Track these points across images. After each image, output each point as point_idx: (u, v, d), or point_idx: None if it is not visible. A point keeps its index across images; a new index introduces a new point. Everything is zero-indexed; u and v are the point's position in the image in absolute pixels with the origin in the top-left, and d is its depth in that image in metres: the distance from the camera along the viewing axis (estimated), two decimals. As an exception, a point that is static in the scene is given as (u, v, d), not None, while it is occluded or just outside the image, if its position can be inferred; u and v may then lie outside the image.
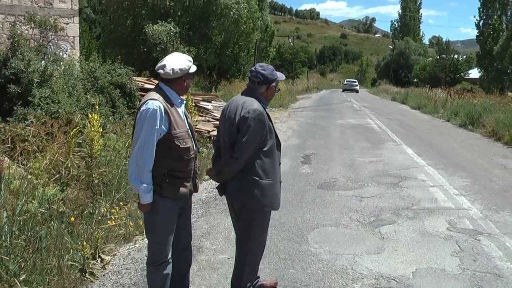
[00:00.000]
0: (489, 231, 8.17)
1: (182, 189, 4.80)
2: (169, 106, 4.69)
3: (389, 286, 6.07)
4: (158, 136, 4.59)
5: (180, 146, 4.67)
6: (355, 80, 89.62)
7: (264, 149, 5.17)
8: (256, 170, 5.16)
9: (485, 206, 9.63)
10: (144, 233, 5.39)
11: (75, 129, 8.31)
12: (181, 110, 4.89)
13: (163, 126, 4.59)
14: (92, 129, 8.00)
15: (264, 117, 5.16)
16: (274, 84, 5.33)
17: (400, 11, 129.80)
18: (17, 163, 8.13)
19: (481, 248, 7.39)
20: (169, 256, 4.93)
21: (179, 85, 4.80)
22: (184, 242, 5.20)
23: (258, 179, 5.17)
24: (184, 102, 4.99)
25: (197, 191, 5.09)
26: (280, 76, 5.43)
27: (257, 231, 5.41)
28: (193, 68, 4.80)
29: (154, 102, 4.61)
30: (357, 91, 75.71)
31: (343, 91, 76.72)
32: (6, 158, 8.18)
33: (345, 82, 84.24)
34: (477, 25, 66.36)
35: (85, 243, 6.17)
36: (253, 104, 5.18)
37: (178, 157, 4.70)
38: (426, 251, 7.26)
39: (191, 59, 4.82)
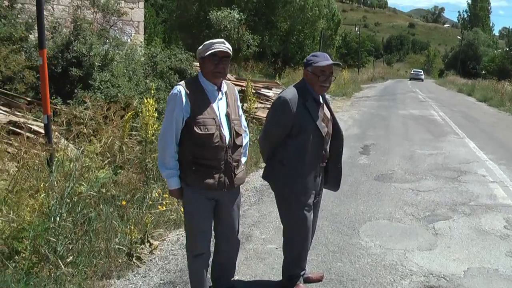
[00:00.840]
0: (549, 231, 7.89)
1: (208, 180, 4.66)
2: (195, 91, 4.66)
3: (439, 285, 5.90)
4: (181, 120, 4.60)
5: (199, 132, 4.57)
6: (421, 70, 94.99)
7: (294, 138, 5.15)
8: (281, 155, 5.24)
9: (547, 205, 9.29)
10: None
11: (129, 113, 8.35)
12: (216, 95, 4.77)
13: (184, 111, 4.59)
14: (148, 114, 8.04)
15: (286, 104, 5.10)
16: (309, 68, 5.14)
17: (469, 1, 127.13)
18: (73, 145, 8.24)
19: (538, 249, 7.14)
20: (205, 249, 4.87)
21: (203, 69, 4.76)
22: (226, 238, 5.11)
23: (281, 164, 5.24)
24: (224, 88, 4.86)
25: (232, 186, 4.84)
26: (319, 60, 5.09)
27: (286, 217, 5.47)
28: (211, 50, 4.58)
29: (177, 87, 4.69)
30: (422, 79, 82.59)
31: (410, 79, 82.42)
32: (63, 139, 8.29)
33: (412, 72, 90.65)
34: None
35: (133, 227, 6.20)
36: (286, 90, 5.31)
37: (201, 144, 4.60)
38: (480, 249, 7.05)
39: (219, 42, 4.64)
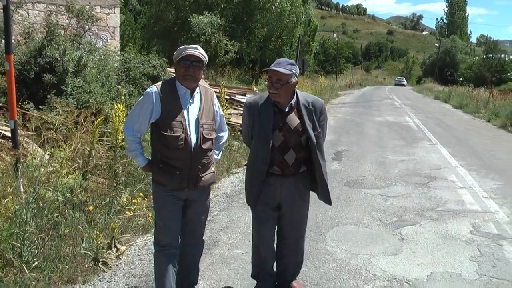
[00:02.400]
0: (514, 236, 8.01)
1: (172, 179, 4.86)
2: (168, 93, 4.84)
3: (401, 289, 6.00)
4: (146, 115, 4.84)
5: (165, 133, 4.75)
6: (403, 78, 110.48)
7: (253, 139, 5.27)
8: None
9: (514, 210, 9.42)
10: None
11: (99, 119, 8.37)
12: (188, 99, 4.90)
13: (154, 110, 4.81)
14: (118, 119, 8.06)
15: (245, 107, 5.33)
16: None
17: (446, 9, 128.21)
18: (42, 150, 8.24)
19: (502, 254, 7.22)
20: (170, 244, 4.98)
21: (176, 73, 4.95)
22: (190, 237, 5.23)
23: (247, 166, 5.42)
24: (198, 92, 4.98)
25: (196, 188, 4.97)
26: (270, 67, 5.05)
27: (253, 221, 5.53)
28: (183, 54, 4.77)
29: (152, 87, 4.96)
30: (404, 85, 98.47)
31: (395, 85, 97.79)
32: (32, 144, 8.29)
33: (396, 79, 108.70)
34: (526, 25, 65.21)
35: (98, 232, 6.23)
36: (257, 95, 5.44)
37: (167, 144, 4.78)
38: (445, 254, 7.13)
39: (193, 47, 4.82)
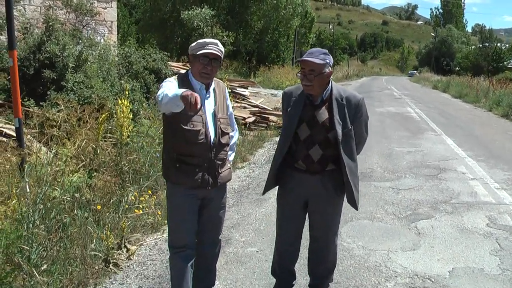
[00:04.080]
0: (532, 229, 7.82)
1: (191, 178, 4.63)
2: (184, 87, 4.51)
3: (424, 286, 5.78)
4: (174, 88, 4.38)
5: (185, 127, 4.52)
6: (415, 71, 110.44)
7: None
8: None
9: (528, 202, 9.24)
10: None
11: (104, 115, 8.15)
12: (203, 93, 4.68)
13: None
14: (122, 115, 7.85)
15: (284, 97, 5.10)
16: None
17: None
18: (46, 148, 8.02)
19: (522, 247, 7.05)
20: (186, 245, 4.76)
21: (192, 67, 4.71)
22: (208, 237, 5.02)
23: None
24: (213, 86, 4.79)
25: (216, 185, 4.78)
26: (302, 58, 4.79)
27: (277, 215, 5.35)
28: (203, 50, 4.53)
29: (170, 78, 4.77)
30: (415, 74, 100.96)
31: (408, 76, 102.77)
32: (35, 143, 8.07)
33: (409, 72, 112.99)
34: (522, 13, 65.02)
35: (109, 232, 6.02)
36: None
37: (186, 140, 4.55)
38: (464, 248, 6.95)
39: (213, 43, 4.60)
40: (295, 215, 5.12)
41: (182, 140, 4.58)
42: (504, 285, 5.86)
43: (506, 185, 10.41)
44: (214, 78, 4.85)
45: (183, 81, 4.67)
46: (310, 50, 4.80)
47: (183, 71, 15.20)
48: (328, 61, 4.70)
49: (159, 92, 4.42)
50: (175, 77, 4.80)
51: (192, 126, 4.54)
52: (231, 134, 5.04)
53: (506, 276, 6.10)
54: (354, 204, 5.06)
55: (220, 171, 4.80)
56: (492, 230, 7.72)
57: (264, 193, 5.29)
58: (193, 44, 4.65)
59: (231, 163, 5.16)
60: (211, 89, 4.77)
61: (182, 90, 4.13)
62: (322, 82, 4.74)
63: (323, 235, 5.17)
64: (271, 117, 17.45)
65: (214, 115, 4.73)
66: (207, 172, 4.69)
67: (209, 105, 4.74)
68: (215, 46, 4.58)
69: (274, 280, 5.51)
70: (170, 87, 4.40)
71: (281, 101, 5.19)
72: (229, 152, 5.07)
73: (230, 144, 5.04)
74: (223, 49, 4.67)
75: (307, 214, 5.17)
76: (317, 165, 4.86)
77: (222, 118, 4.78)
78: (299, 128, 4.82)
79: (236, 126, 5.23)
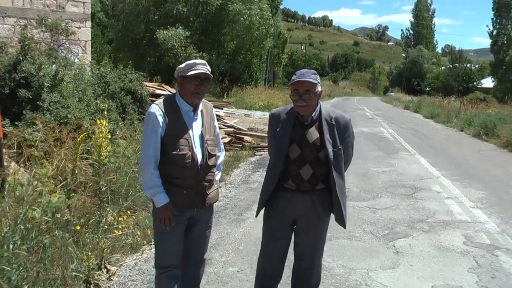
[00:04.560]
0: (507, 246, 7.93)
1: (178, 199, 4.65)
2: (170, 110, 4.65)
3: (405, 304, 5.85)
4: (159, 138, 4.59)
5: (171, 152, 4.57)
6: (392, 93, 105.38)
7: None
8: None
9: (502, 220, 9.38)
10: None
11: (82, 135, 8.13)
12: (191, 116, 4.72)
13: (160, 129, 4.58)
14: (100, 135, 7.84)
15: (270, 118, 5.13)
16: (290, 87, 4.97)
17: (412, 19, 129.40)
18: (24, 168, 7.96)
19: (499, 265, 7.15)
20: (173, 265, 4.77)
21: (181, 88, 4.74)
22: (194, 257, 5.03)
23: None
24: (200, 108, 4.83)
25: (203, 205, 4.81)
26: (294, 78, 4.87)
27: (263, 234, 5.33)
28: (194, 70, 4.58)
29: (153, 105, 4.70)
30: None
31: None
32: (13, 163, 8.02)
33: (387, 94, 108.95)
34: (490, 35, 65.96)
35: (90, 253, 5.98)
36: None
37: (172, 163, 4.60)
38: (443, 266, 7.03)
39: (202, 63, 4.66)
40: (282, 236, 5.14)
41: (169, 163, 4.61)
42: (484, 302, 5.94)
43: (481, 203, 10.55)
44: (202, 100, 4.87)
45: (172, 105, 4.70)
46: (301, 71, 4.87)
47: (158, 91, 15.30)
48: (318, 80, 4.83)
49: (145, 152, 4.66)
50: (161, 101, 4.78)
51: (178, 150, 4.58)
52: (218, 154, 5.07)
53: (484, 293, 6.18)
54: (342, 222, 5.13)
55: (207, 192, 4.82)
56: (469, 248, 7.82)
57: (257, 215, 5.25)
58: (181, 66, 4.67)
59: (218, 182, 5.18)
60: (198, 111, 4.80)
61: (162, 200, 4.60)
62: (315, 101, 4.84)
63: (310, 254, 5.20)
64: (246, 138, 17.50)
65: (202, 137, 4.76)
66: (195, 194, 4.71)
67: (197, 127, 4.76)
68: (204, 66, 4.64)
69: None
70: (152, 144, 4.61)
71: (268, 123, 5.19)
72: (216, 172, 5.08)
73: (217, 164, 5.06)
74: (209, 69, 4.71)
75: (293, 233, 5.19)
76: (308, 184, 4.90)
77: (209, 140, 4.81)
78: (289, 148, 4.86)
79: (222, 146, 5.25)
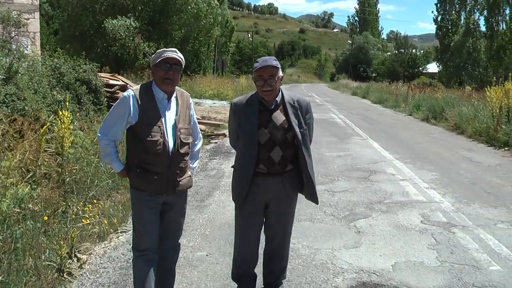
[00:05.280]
0: (463, 224, 8.24)
1: (150, 184, 4.80)
2: (145, 98, 4.79)
3: (371, 280, 6.07)
4: (122, 120, 4.79)
5: (143, 138, 4.72)
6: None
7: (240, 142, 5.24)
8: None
9: (456, 199, 9.72)
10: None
11: (45, 127, 8.14)
12: (165, 103, 4.85)
13: (131, 115, 4.74)
14: (63, 126, 7.86)
15: (233, 108, 5.29)
16: (253, 74, 5.14)
17: (357, 6, 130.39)
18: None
19: (456, 241, 7.44)
20: (149, 249, 4.91)
21: (154, 76, 4.87)
22: (170, 240, 5.16)
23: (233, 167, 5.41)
24: (175, 96, 4.94)
25: (174, 192, 4.93)
26: (256, 65, 5.06)
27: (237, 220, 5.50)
28: (162, 56, 4.72)
29: (128, 91, 4.86)
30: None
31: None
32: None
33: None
34: (435, 20, 66.85)
35: (62, 242, 6.05)
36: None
37: (144, 149, 4.74)
38: (403, 244, 7.30)
39: (171, 50, 4.79)
40: (256, 221, 5.33)
41: (142, 149, 4.75)
42: (444, 275, 6.21)
43: (435, 184, 10.89)
44: (178, 88, 5.00)
45: (146, 91, 4.82)
46: (263, 58, 5.08)
47: (112, 82, 15.27)
48: (279, 66, 5.03)
49: (103, 123, 4.92)
50: (138, 87, 4.91)
51: (150, 136, 4.71)
52: (195, 142, 5.25)
53: (444, 267, 6.46)
54: (315, 198, 5.45)
55: (179, 179, 4.93)
56: (426, 226, 8.11)
57: (242, 203, 5.29)
58: (152, 56, 4.84)
59: (194, 170, 5.34)
60: (172, 98, 4.91)
61: (118, 167, 4.96)
62: (278, 85, 5.05)
63: (281, 235, 5.41)
64: (200, 126, 17.53)
65: (175, 125, 4.86)
66: (166, 180, 4.83)
67: (170, 116, 4.87)
68: (174, 52, 4.76)
69: (229, 281, 5.74)
70: (112, 121, 4.86)
71: (230, 110, 5.35)
72: (192, 160, 5.26)
73: (194, 152, 5.24)
74: (182, 56, 4.83)
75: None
76: (278, 166, 5.09)
77: (182, 129, 4.91)
78: (258, 133, 5.03)
79: (200, 135, 5.42)
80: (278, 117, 5.08)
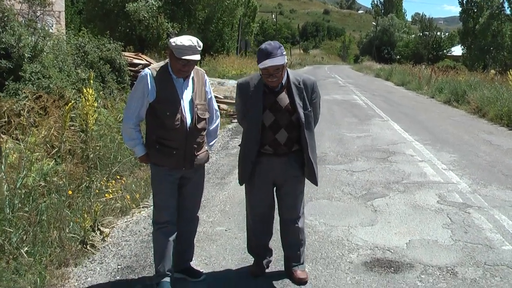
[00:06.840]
0: (479, 205, 8.31)
1: (168, 159, 5.00)
2: (162, 76, 4.96)
3: (384, 256, 6.20)
4: (143, 99, 4.96)
5: (161, 114, 4.92)
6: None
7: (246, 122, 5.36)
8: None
9: (473, 181, 9.77)
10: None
11: (70, 104, 8.33)
12: (181, 81, 5.03)
13: (148, 93, 4.92)
14: (87, 104, 8.04)
15: (237, 89, 5.40)
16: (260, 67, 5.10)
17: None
18: (12, 138, 8.15)
19: (471, 221, 7.54)
20: (168, 221, 5.12)
21: (171, 61, 4.98)
22: (188, 213, 5.38)
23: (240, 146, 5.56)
24: (191, 75, 5.07)
25: (192, 166, 5.12)
26: (258, 61, 5.02)
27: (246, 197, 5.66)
28: (183, 56, 4.78)
29: (146, 70, 5.05)
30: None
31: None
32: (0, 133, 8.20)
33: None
34: (461, 3, 66.26)
35: (86, 215, 6.26)
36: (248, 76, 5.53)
37: (163, 125, 4.94)
38: (418, 223, 7.41)
39: (192, 48, 4.82)
40: (264, 193, 5.45)
41: (160, 125, 4.95)
42: (457, 254, 6.32)
43: (453, 166, 10.94)
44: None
45: (164, 71, 4.99)
46: (266, 48, 4.98)
47: (136, 61, 15.46)
48: (284, 53, 5.06)
49: (128, 107, 5.13)
50: (156, 65, 5.08)
51: (168, 113, 4.90)
52: (212, 121, 5.41)
53: (458, 246, 6.57)
54: (314, 179, 5.48)
55: (196, 154, 5.13)
56: (442, 206, 8.20)
57: (242, 183, 5.52)
58: (176, 40, 4.83)
59: (211, 147, 5.56)
60: (190, 78, 5.07)
61: (140, 151, 5.14)
62: (284, 72, 5.14)
63: (291, 214, 5.53)
64: (222, 106, 17.69)
65: (192, 101, 5.04)
66: (183, 155, 5.02)
67: (187, 92, 5.05)
68: (194, 52, 4.82)
69: (247, 255, 5.90)
70: (135, 101, 5.04)
71: (236, 91, 5.44)
72: (210, 139, 5.44)
73: (211, 129, 5.42)
74: (201, 44, 4.91)
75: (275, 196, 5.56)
76: (284, 147, 5.23)
77: (199, 105, 5.09)
78: (263, 115, 5.15)
79: (218, 113, 5.54)
80: (284, 99, 5.18)
